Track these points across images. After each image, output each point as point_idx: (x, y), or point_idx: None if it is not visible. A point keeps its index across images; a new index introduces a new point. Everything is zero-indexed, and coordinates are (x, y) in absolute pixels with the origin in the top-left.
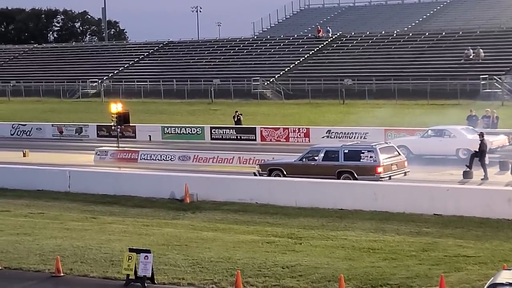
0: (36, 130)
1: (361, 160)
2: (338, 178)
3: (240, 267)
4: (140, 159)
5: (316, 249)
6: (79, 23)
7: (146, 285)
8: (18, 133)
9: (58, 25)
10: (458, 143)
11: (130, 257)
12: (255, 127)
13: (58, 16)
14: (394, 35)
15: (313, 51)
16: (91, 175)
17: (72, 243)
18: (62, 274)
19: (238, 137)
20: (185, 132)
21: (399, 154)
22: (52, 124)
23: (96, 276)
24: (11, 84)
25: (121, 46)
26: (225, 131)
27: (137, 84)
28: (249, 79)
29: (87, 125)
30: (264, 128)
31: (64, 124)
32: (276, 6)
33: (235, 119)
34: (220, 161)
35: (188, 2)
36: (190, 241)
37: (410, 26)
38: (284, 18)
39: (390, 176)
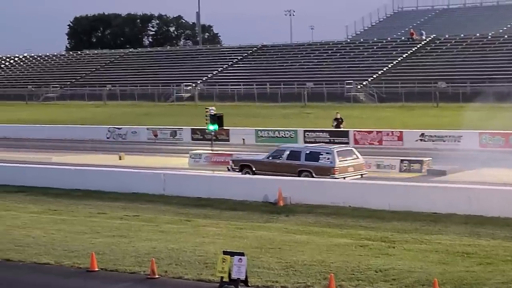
0: (132, 134)
1: (319, 161)
2: (299, 176)
3: (333, 271)
4: None
5: (410, 253)
6: (173, 28)
7: None
8: (114, 137)
9: (153, 29)
10: None
11: (224, 260)
12: (348, 130)
13: (153, 21)
14: (489, 37)
15: (406, 54)
16: (186, 178)
17: (166, 246)
18: (157, 276)
19: (332, 140)
20: (278, 136)
21: (358, 157)
22: (147, 128)
23: (190, 279)
24: (107, 88)
25: (215, 50)
26: (319, 134)
27: (230, 88)
28: (342, 82)
29: (182, 128)
30: (357, 131)
31: (159, 128)
32: (369, 9)
33: (335, 123)
34: None
35: (282, 6)
36: (283, 244)
37: (505, 28)
38: (378, 21)
39: (344, 177)
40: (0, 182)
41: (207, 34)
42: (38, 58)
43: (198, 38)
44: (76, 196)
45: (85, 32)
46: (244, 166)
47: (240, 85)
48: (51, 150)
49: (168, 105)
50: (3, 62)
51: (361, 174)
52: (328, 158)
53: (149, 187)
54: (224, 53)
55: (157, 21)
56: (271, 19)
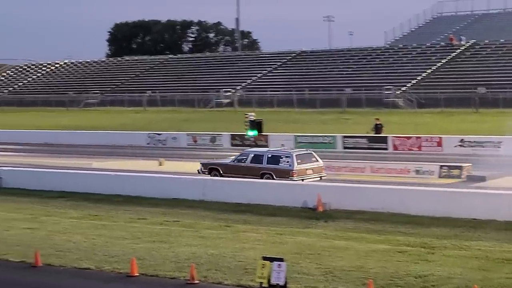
0: (172, 139)
1: (279, 164)
2: (262, 178)
3: (372, 276)
4: None
5: (449, 259)
6: (213, 34)
7: None
8: (154, 143)
9: (192, 35)
10: None
11: (263, 265)
12: (387, 136)
13: (192, 27)
14: None
15: (446, 60)
16: (225, 184)
17: (206, 251)
18: (196, 281)
19: (370, 146)
20: (317, 141)
21: (317, 160)
22: (187, 133)
23: (230, 284)
24: (147, 94)
25: (254, 56)
26: (358, 140)
27: (269, 94)
28: (381, 88)
29: (221, 134)
30: (396, 137)
31: (199, 134)
32: (408, 15)
33: (374, 129)
34: (352, 170)
35: (321, 12)
36: (322, 250)
37: None
38: (417, 27)
39: (303, 179)
40: (42, 188)
41: (246, 40)
42: (79, 65)
43: (237, 44)
44: (116, 201)
45: (125, 38)
46: (212, 169)
47: (279, 91)
48: (92, 155)
49: (208, 111)
50: (44, 68)
51: (320, 177)
52: (288, 162)
53: (189, 193)
54: (263, 59)
55: (197, 28)
56: (310, 25)
